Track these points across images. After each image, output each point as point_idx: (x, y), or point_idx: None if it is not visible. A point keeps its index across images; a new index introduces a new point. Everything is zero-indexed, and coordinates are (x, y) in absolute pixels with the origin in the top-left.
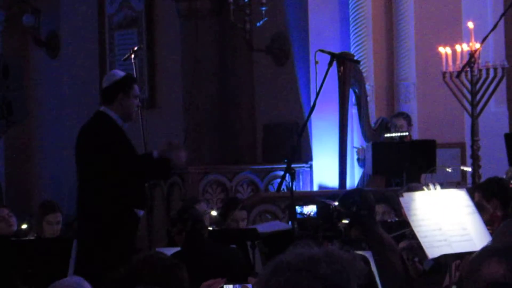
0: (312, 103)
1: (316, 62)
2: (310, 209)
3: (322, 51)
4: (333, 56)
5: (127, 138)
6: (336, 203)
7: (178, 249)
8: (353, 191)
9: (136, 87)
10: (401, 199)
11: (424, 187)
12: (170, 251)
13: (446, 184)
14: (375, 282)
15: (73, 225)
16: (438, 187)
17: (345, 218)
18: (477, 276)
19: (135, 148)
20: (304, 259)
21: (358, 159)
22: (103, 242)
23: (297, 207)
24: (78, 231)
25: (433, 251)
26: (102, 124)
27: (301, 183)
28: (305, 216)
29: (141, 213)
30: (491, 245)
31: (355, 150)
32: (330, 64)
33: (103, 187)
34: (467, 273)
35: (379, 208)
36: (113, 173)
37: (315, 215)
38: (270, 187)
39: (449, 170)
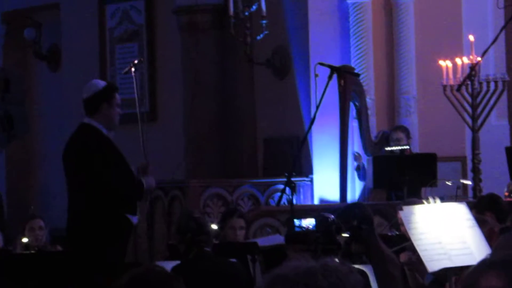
0: (314, 116)
1: (316, 75)
2: (308, 222)
3: (322, 64)
4: (332, 69)
5: (114, 146)
6: (334, 217)
7: (178, 262)
8: (353, 205)
9: (117, 96)
10: (400, 212)
11: (424, 201)
12: (170, 264)
13: (446, 198)
14: None
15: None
16: (438, 200)
17: (345, 232)
18: None
19: (124, 156)
20: (301, 272)
21: (356, 168)
22: (97, 251)
23: (295, 220)
24: (70, 242)
25: (433, 264)
26: (89, 135)
27: (301, 197)
28: (303, 229)
29: (135, 219)
30: (490, 258)
31: (354, 154)
32: (329, 77)
33: (94, 195)
34: (465, 287)
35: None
36: (103, 181)
37: (314, 228)
38: (270, 200)
39: (449, 183)
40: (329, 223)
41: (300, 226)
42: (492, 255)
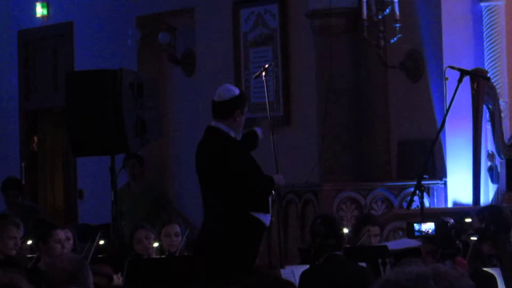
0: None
1: (446, 79)
2: (428, 227)
3: (453, 67)
4: (463, 72)
5: (243, 148)
6: (452, 221)
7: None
8: (486, 208)
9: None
10: None
11: None
12: (300, 268)
13: None
14: None
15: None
16: None
17: (474, 235)
18: None
19: (252, 157)
20: (412, 277)
21: (489, 168)
22: (234, 252)
23: (415, 225)
24: (207, 245)
25: None
26: (221, 138)
27: (435, 200)
28: (423, 233)
29: (267, 220)
30: None
31: (488, 153)
32: (459, 80)
33: (230, 197)
34: None
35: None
36: (236, 181)
37: (433, 233)
38: (404, 203)
39: None
40: (449, 227)
41: (419, 231)
42: None
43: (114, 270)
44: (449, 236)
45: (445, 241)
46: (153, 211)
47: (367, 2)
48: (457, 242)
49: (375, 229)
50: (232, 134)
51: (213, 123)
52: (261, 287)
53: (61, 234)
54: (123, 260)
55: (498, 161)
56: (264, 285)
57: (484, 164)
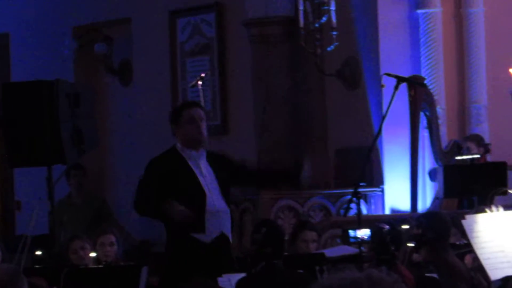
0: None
1: (382, 86)
2: (363, 233)
3: (389, 74)
4: (399, 79)
5: (183, 166)
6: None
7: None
8: (423, 214)
9: (187, 112)
10: (463, 221)
11: (487, 210)
12: (238, 277)
13: None
14: None
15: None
16: (501, 209)
17: (410, 242)
18: None
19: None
20: (346, 283)
21: (429, 173)
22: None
23: (350, 231)
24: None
25: (496, 273)
26: (162, 154)
27: (372, 207)
28: (358, 240)
29: (208, 238)
30: None
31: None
32: (396, 87)
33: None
34: None
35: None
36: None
37: (369, 239)
38: (342, 211)
39: (511, 191)
40: (384, 234)
41: (355, 237)
42: None
43: (50, 281)
44: (384, 242)
45: (381, 247)
46: (94, 221)
47: (304, 10)
48: (392, 248)
49: (312, 234)
50: (178, 146)
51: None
52: None
53: None
54: (60, 270)
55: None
56: None
57: (422, 172)
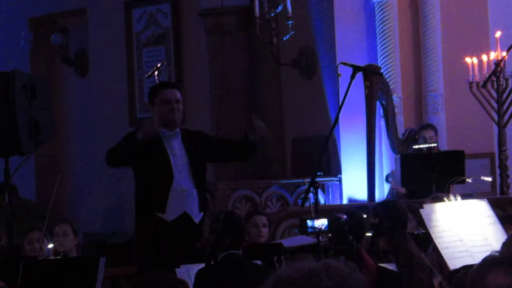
0: (337, 116)
1: (338, 75)
2: (321, 223)
3: (345, 63)
4: (355, 68)
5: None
6: (345, 217)
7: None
8: (380, 203)
9: (163, 92)
10: (421, 210)
11: (445, 198)
12: (196, 268)
13: (476, 194)
14: None
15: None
16: (458, 198)
17: (368, 231)
18: (482, 286)
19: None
20: (305, 272)
21: (386, 177)
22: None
23: (308, 221)
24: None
25: (454, 262)
26: None
27: (330, 197)
28: (316, 229)
29: (169, 217)
30: (497, 255)
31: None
32: (352, 76)
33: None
34: (471, 283)
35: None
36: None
37: (326, 229)
38: (299, 201)
39: (469, 180)
40: (342, 224)
41: (312, 227)
42: (500, 252)
43: (8, 273)
44: (342, 232)
45: (338, 237)
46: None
47: (259, 0)
48: (350, 238)
49: (262, 218)
50: (163, 131)
51: None
52: (153, 286)
53: None
54: (17, 263)
55: (392, 157)
56: (157, 283)
57: (379, 162)
